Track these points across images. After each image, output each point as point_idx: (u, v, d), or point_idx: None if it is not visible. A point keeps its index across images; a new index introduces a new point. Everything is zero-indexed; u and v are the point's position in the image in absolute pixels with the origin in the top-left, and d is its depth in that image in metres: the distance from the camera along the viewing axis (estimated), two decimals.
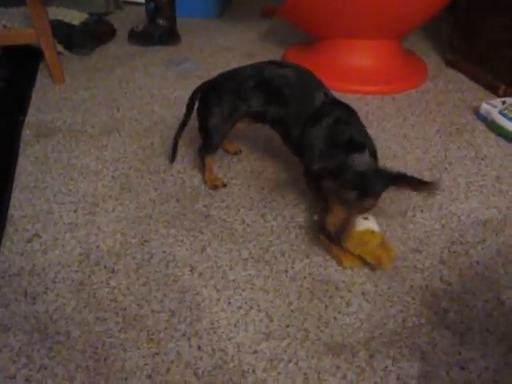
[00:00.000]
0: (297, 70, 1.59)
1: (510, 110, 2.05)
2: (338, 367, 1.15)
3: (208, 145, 1.67)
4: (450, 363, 1.17)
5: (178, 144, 1.76)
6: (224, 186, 1.69)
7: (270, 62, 1.64)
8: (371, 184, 1.31)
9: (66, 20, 2.75)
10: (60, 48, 2.56)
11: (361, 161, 1.32)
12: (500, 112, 2.06)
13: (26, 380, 1.10)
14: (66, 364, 1.13)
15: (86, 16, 2.90)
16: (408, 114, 2.21)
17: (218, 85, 1.63)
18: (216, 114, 1.62)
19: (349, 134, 1.39)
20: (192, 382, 1.11)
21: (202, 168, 1.72)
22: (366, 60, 2.46)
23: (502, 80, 2.34)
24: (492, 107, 2.12)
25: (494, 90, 2.38)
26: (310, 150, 1.46)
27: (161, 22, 2.80)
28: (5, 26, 2.52)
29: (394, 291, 1.33)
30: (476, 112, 2.20)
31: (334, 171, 1.30)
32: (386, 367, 1.15)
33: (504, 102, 2.13)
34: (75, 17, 2.84)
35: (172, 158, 1.79)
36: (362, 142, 1.38)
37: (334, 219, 1.32)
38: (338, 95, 1.56)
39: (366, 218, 1.37)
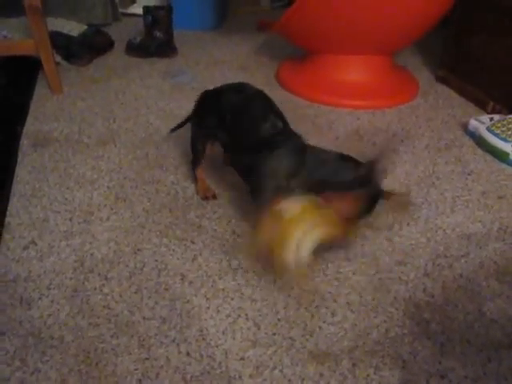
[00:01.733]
0: (246, 96, 1.59)
1: (497, 126, 2.10)
2: (322, 375, 1.19)
3: (193, 158, 1.73)
4: (430, 372, 1.21)
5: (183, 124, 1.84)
6: (214, 197, 1.73)
7: (236, 86, 1.65)
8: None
9: (65, 31, 2.80)
10: (58, 59, 2.60)
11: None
12: (487, 128, 2.11)
13: (20, 382, 1.14)
14: (59, 368, 1.17)
15: (85, 27, 2.94)
16: (397, 128, 2.25)
17: (199, 102, 1.70)
18: (192, 129, 1.70)
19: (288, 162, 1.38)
20: None
21: (195, 180, 1.75)
22: (358, 75, 2.51)
23: (491, 96, 2.39)
24: (480, 123, 2.17)
25: (483, 107, 2.43)
26: (260, 178, 1.45)
27: (158, 34, 2.85)
28: (5, 37, 2.56)
29: (378, 302, 1.38)
30: (465, 128, 2.25)
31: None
32: (368, 375, 1.19)
33: (492, 119, 2.18)
34: (74, 28, 2.89)
35: (173, 130, 1.89)
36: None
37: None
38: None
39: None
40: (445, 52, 2.72)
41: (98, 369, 1.18)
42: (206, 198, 1.73)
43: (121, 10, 3.52)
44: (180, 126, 1.87)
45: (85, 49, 2.75)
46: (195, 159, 1.73)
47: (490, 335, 1.31)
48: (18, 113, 2.23)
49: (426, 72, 2.86)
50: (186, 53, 3.01)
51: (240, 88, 1.62)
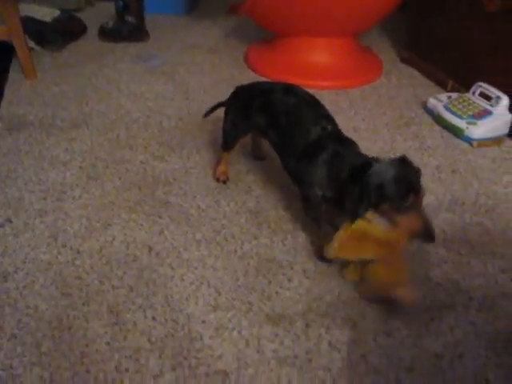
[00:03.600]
0: (301, 100, 1.58)
1: (453, 104, 2.21)
2: (277, 335, 1.29)
3: (223, 143, 1.79)
4: (377, 331, 1.32)
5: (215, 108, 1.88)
6: (224, 182, 1.82)
7: (284, 86, 1.65)
8: (409, 179, 1.29)
9: (38, 16, 2.85)
10: (32, 44, 2.66)
11: (382, 169, 1.30)
12: (445, 106, 2.22)
13: None
14: (33, 333, 1.27)
15: (58, 12, 2.99)
16: (360, 107, 2.36)
17: (238, 94, 1.74)
18: (229, 120, 1.74)
19: (348, 167, 1.36)
20: (146, 347, 1.25)
21: (219, 161, 1.85)
22: (323, 57, 2.61)
23: (450, 76, 2.49)
24: (438, 101, 2.28)
25: (444, 86, 2.53)
26: (309, 185, 1.47)
27: (129, 19, 2.92)
28: None
29: (332, 269, 1.48)
30: (424, 106, 2.35)
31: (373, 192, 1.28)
32: (320, 335, 1.30)
33: (449, 97, 2.28)
34: (47, 13, 2.94)
35: (206, 114, 1.91)
36: (366, 161, 1.35)
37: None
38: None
39: None
40: (408, 33, 2.83)
41: (69, 333, 1.28)
42: (217, 180, 1.82)
43: None
44: (213, 109, 1.89)
45: (58, 34, 2.81)
46: (226, 145, 1.78)
47: (434, 297, 1.42)
48: None
49: (390, 53, 2.96)
50: (158, 37, 3.08)
51: (291, 89, 1.63)
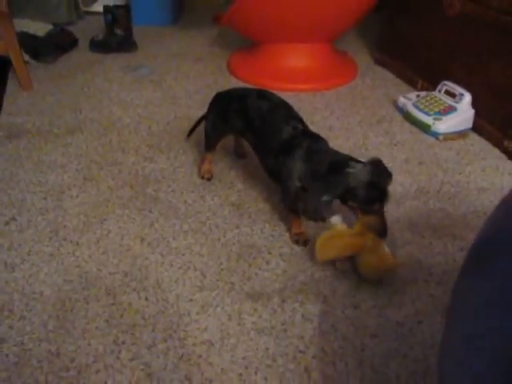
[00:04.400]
0: (272, 104, 1.75)
1: (421, 102, 2.38)
2: (256, 309, 1.46)
3: (206, 144, 1.96)
4: (345, 304, 1.49)
5: (196, 126, 2.10)
6: (209, 179, 1.99)
7: (258, 91, 1.82)
8: (383, 190, 1.47)
9: (31, 31, 3.02)
10: (27, 58, 2.81)
11: (361, 171, 1.46)
12: (413, 104, 2.40)
13: (10, 327, 1.40)
14: (40, 314, 1.44)
15: (50, 27, 3.16)
16: (335, 107, 2.53)
17: (217, 99, 1.91)
18: (210, 123, 1.92)
19: (327, 160, 1.53)
20: (140, 323, 1.42)
21: (202, 160, 2.01)
22: (301, 61, 2.78)
23: (420, 76, 2.67)
24: (407, 100, 2.45)
25: (414, 85, 2.71)
26: (288, 179, 1.61)
27: (118, 31, 3.08)
28: None
29: (305, 252, 1.65)
30: (395, 104, 2.53)
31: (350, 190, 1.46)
32: (294, 308, 1.47)
33: (418, 96, 2.46)
34: (39, 28, 3.11)
35: (189, 134, 2.15)
36: (342, 160, 1.52)
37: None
38: (276, 93, 1.83)
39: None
40: (380, 36, 3.00)
41: (72, 313, 1.44)
42: (202, 178, 1.99)
43: (83, 9, 3.73)
44: (195, 127, 2.11)
45: (51, 47, 2.96)
46: (208, 146, 1.95)
47: (398, 274, 1.58)
48: None
49: (365, 55, 3.13)
50: (145, 47, 3.25)
51: (264, 94, 1.80)
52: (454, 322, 0.84)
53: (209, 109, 1.93)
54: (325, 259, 1.56)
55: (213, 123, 1.91)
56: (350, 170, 1.46)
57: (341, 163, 1.50)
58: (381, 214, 1.50)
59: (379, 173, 1.49)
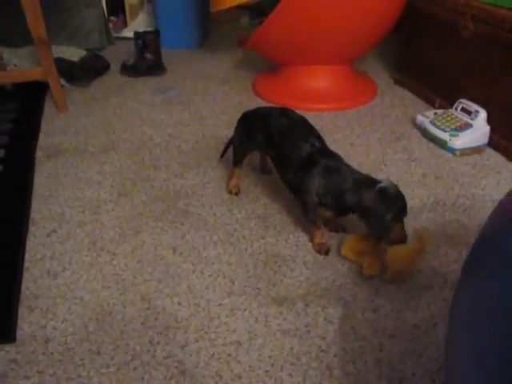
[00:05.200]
0: (292, 121, 1.86)
1: (438, 119, 2.48)
2: (281, 313, 1.57)
3: (233, 160, 2.08)
4: (365, 308, 1.59)
5: (228, 147, 2.18)
6: (236, 194, 2.10)
7: (280, 110, 1.93)
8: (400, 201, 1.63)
9: (66, 57, 3.17)
10: (63, 82, 2.95)
11: (387, 184, 1.62)
12: (431, 121, 2.49)
13: (54, 328, 1.52)
14: (81, 317, 1.56)
15: (84, 52, 3.32)
16: (355, 126, 2.64)
17: (244, 118, 2.04)
18: (237, 140, 2.05)
19: (348, 177, 1.66)
20: (173, 325, 1.53)
21: (231, 176, 2.13)
22: (323, 82, 2.89)
23: (438, 94, 2.77)
24: (425, 118, 2.55)
25: (432, 104, 2.80)
26: (307, 194, 1.73)
27: (148, 55, 3.22)
28: (15, 65, 2.95)
29: (327, 261, 1.76)
30: (414, 122, 2.63)
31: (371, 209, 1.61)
32: (317, 312, 1.57)
33: (436, 113, 2.56)
34: (74, 53, 3.27)
35: (221, 155, 2.26)
36: (367, 176, 1.68)
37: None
38: (299, 112, 1.95)
39: None
40: (399, 56, 3.11)
41: (110, 316, 1.56)
42: (230, 192, 2.10)
43: (114, 35, 3.88)
44: (227, 147, 2.21)
45: (85, 72, 3.11)
46: (236, 161, 2.07)
47: (414, 281, 1.68)
48: (32, 130, 2.61)
49: (385, 76, 3.23)
50: (174, 70, 3.39)
51: (286, 113, 1.91)
52: (454, 315, 0.96)
53: (236, 127, 2.05)
54: (347, 255, 1.73)
55: (239, 140, 2.03)
56: (383, 186, 1.62)
57: (370, 181, 1.66)
58: (402, 228, 1.66)
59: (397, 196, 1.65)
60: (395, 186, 1.64)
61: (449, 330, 0.99)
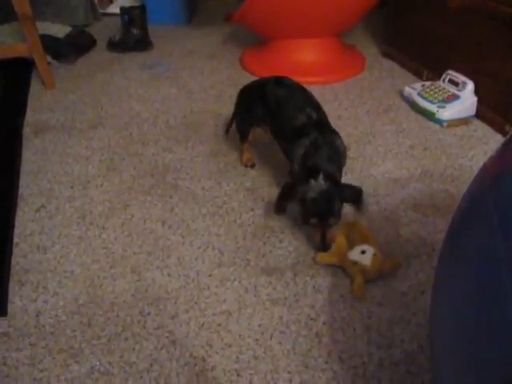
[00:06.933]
0: (290, 90, 1.85)
1: (426, 91, 2.48)
2: (270, 282, 1.58)
3: (239, 136, 2.08)
4: None
5: (231, 123, 2.17)
6: (253, 166, 2.10)
7: (275, 79, 1.92)
8: (324, 209, 1.56)
9: (52, 33, 3.14)
10: (49, 58, 2.94)
11: (314, 187, 1.56)
12: (418, 93, 2.50)
13: (44, 302, 1.53)
14: (71, 291, 1.57)
15: (70, 29, 3.29)
16: (343, 99, 2.64)
17: (241, 93, 2.05)
18: (237, 116, 2.07)
19: (313, 159, 1.64)
20: (164, 297, 1.54)
21: (241, 152, 2.13)
22: (311, 55, 2.88)
23: (425, 67, 2.77)
24: (413, 90, 2.55)
25: (420, 76, 2.80)
26: (292, 162, 1.73)
27: (134, 31, 3.21)
28: None
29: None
30: (402, 95, 2.63)
31: (298, 197, 1.59)
32: (306, 281, 1.59)
33: (423, 85, 2.56)
34: (60, 30, 3.24)
35: (226, 131, 2.25)
36: (318, 168, 1.59)
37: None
38: None
39: (363, 252, 1.59)
40: (386, 29, 3.10)
41: (101, 289, 1.57)
42: (246, 166, 2.10)
43: (100, 11, 3.85)
44: (230, 125, 2.20)
45: (71, 48, 3.10)
46: (241, 137, 2.07)
47: (403, 249, 1.69)
48: (19, 106, 2.60)
49: (373, 49, 3.22)
50: (161, 46, 3.37)
51: (282, 81, 1.91)
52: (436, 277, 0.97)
53: (235, 104, 2.06)
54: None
55: (240, 116, 2.04)
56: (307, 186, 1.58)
57: (310, 171, 1.62)
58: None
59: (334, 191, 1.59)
60: (326, 193, 1.57)
61: (432, 292, 1.01)
